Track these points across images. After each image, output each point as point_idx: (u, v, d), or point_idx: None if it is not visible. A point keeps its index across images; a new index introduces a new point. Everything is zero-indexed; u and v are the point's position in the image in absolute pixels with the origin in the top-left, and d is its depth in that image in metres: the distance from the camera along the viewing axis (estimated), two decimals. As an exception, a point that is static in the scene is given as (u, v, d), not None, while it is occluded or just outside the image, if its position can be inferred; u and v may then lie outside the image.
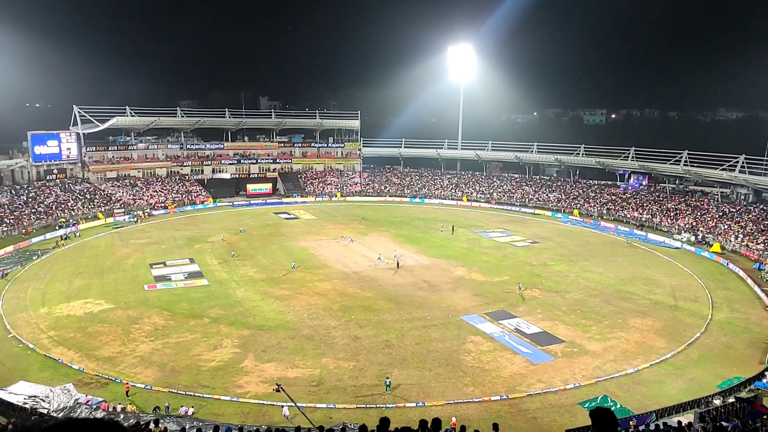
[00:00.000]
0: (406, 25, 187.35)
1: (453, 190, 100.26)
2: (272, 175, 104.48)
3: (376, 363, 33.44)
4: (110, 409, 27.59)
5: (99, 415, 26.86)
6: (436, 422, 8.57)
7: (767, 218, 64.28)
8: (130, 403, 28.07)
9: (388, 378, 30.75)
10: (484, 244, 65.17)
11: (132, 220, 77.77)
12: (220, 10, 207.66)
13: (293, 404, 24.92)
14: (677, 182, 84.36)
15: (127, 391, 29.58)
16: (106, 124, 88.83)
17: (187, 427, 23.23)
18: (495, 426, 19.40)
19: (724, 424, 18.51)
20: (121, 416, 26.21)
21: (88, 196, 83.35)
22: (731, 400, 26.43)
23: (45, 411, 26.91)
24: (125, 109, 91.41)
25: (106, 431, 1.74)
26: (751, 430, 16.29)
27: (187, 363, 33.36)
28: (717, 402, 26.69)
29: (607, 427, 3.77)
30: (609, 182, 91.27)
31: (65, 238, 65.57)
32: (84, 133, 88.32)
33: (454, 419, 25.91)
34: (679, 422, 22.39)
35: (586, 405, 28.74)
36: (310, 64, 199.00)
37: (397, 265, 54.36)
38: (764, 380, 29.78)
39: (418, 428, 11.77)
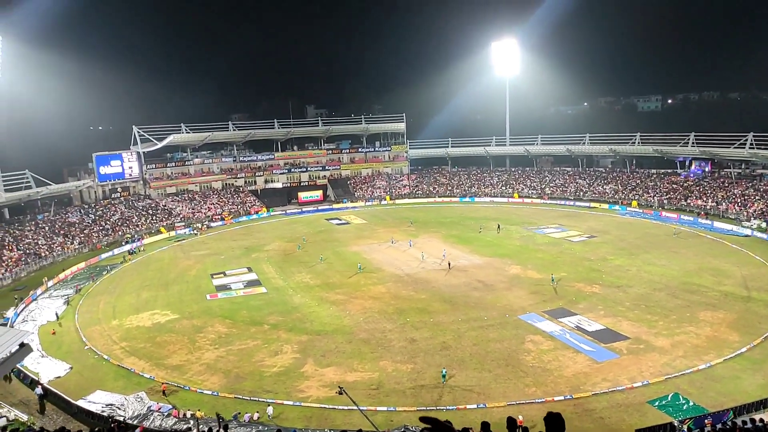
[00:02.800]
0: (447, 23, 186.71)
1: (503, 188, 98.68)
2: (322, 182, 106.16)
3: (434, 365, 33.31)
4: (180, 416, 28.73)
5: (170, 421, 28.06)
6: (511, 421, 8.66)
7: None
8: (198, 410, 29.14)
9: (444, 369, 31.32)
10: (538, 241, 63.79)
11: (192, 232, 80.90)
12: (264, 24, 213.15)
13: (355, 407, 25.18)
14: (743, 166, 79.72)
15: (164, 391, 31.44)
16: (164, 142, 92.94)
17: (253, 432, 23.90)
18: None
19: (810, 421, 17.34)
20: (191, 422, 27.23)
21: (150, 211, 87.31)
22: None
23: (121, 418, 28.33)
24: (180, 127, 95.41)
25: None
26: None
27: (251, 369, 34.34)
28: (801, 398, 25.05)
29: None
30: (669, 170, 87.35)
31: (132, 253, 68.97)
32: (144, 152, 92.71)
33: (521, 417, 25.67)
34: (762, 420, 21.17)
35: (656, 403, 27.61)
36: (353, 69, 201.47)
37: (449, 265, 53.99)
38: None
39: (480, 429, 11.70)
